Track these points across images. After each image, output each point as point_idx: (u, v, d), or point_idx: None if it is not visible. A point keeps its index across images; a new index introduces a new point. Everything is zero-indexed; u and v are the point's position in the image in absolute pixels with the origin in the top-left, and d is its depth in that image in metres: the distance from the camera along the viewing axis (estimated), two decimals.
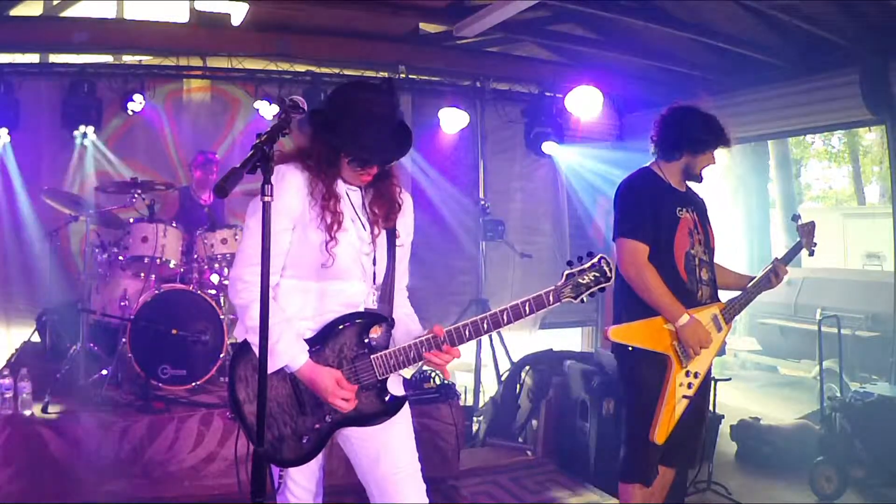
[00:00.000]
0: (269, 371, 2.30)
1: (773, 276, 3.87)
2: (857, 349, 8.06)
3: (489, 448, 6.04)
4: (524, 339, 7.98)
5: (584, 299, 2.50)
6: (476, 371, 7.43)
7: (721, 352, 3.74)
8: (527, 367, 6.43)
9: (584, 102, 7.40)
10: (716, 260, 3.87)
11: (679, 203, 3.68)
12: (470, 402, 7.16)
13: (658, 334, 3.55)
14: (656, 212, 3.60)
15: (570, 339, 8.80)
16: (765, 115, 7.00)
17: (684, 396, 3.56)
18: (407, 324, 2.69)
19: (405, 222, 2.71)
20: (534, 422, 5.99)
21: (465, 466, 5.34)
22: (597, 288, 2.49)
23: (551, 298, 2.46)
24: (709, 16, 6.44)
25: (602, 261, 2.50)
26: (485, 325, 2.47)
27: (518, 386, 6.43)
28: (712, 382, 4.14)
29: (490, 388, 7.21)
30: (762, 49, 6.70)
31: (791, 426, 5.96)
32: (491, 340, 7.20)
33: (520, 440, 6.09)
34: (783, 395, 9.02)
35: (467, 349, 7.89)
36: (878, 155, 20.08)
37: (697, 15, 6.45)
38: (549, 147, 7.98)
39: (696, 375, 3.58)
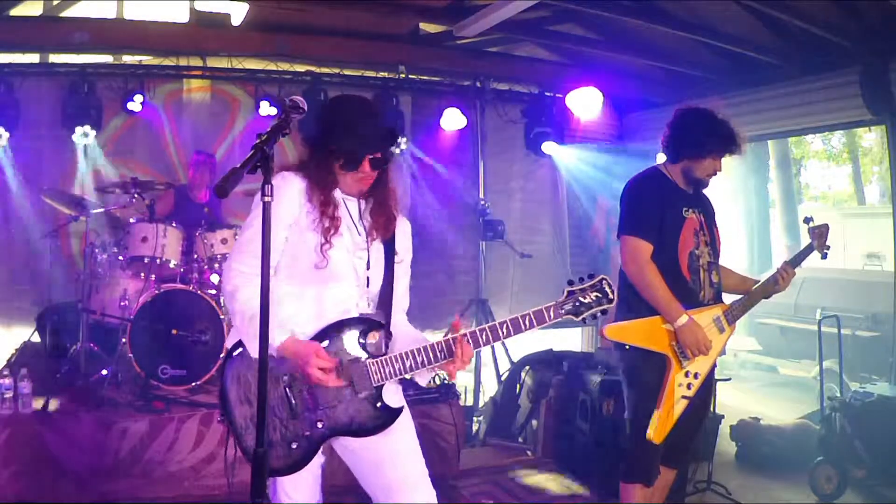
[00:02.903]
0: (255, 355, 2.32)
1: (780, 279, 3.82)
2: (857, 349, 8.07)
3: (489, 448, 6.05)
4: (524, 339, 7.96)
5: (587, 320, 2.53)
6: (476, 371, 7.42)
7: (721, 352, 3.71)
8: (527, 367, 6.44)
9: (584, 102, 7.40)
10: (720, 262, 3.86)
11: (686, 203, 3.67)
12: (470, 402, 7.15)
13: (656, 334, 3.54)
14: (661, 211, 3.60)
15: (570, 339, 8.77)
16: (765, 114, 7.00)
17: (683, 397, 3.54)
18: (416, 338, 2.66)
19: (403, 243, 2.74)
20: (534, 422, 5.99)
21: (465, 466, 5.34)
22: (598, 309, 2.52)
23: (552, 314, 2.49)
24: (709, 16, 6.44)
25: (603, 282, 2.53)
26: (483, 338, 2.49)
27: (518, 386, 6.43)
28: (714, 384, 4.09)
29: (490, 388, 7.21)
30: (762, 49, 6.70)
31: (791, 426, 5.96)
32: None
33: (520, 440, 6.10)
34: (783, 395, 9.01)
35: None
36: (877, 155, 20.09)
37: (698, 15, 6.46)
38: (548, 147, 7.98)
39: (695, 376, 3.56)
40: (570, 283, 2.54)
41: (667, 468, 3.76)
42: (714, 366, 3.71)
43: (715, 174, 3.71)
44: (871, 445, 4.90)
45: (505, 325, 2.47)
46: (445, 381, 5.48)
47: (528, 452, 5.83)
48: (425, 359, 2.48)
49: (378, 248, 2.64)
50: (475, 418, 6.81)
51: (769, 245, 13.73)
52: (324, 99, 6.86)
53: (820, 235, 4.03)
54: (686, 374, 3.55)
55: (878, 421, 4.92)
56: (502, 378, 6.87)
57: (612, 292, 2.52)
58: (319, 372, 2.40)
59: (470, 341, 2.47)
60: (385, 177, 2.64)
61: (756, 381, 10.00)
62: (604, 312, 2.53)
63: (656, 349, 3.54)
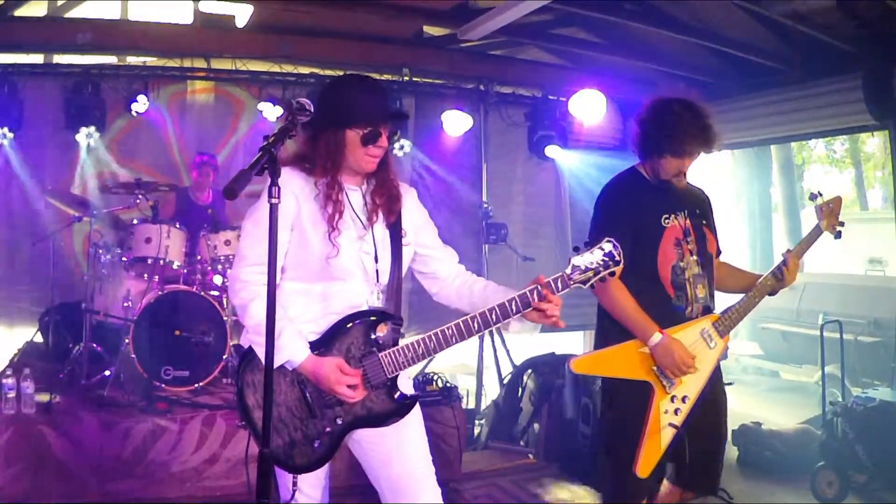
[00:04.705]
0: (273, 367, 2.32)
1: (785, 271, 3.33)
2: (859, 354, 8.05)
3: (491, 451, 6.04)
4: (526, 343, 7.97)
5: (594, 285, 2.44)
6: (478, 374, 7.42)
7: (723, 356, 3.34)
8: (529, 371, 6.43)
9: (588, 106, 7.38)
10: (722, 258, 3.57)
11: (666, 209, 3.29)
12: (472, 404, 7.15)
13: (632, 360, 3.19)
14: (636, 223, 3.23)
15: (572, 343, 8.78)
16: (768, 119, 7.01)
17: (670, 424, 3.18)
18: (492, 291, 2.63)
19: (412, 217, 2.70)
20: (535, 425, 5.98)
21: (466, 469, 5.34)
22: (606, 272, 2.42)
23: (560, 285, 2.41)
24: (713, 20, 6.45)
25: (610, 244, 2.42)
26: (475, 325, 2.44)
27: (520, 389, 6.43)
28: (724, 396, 3.52)
29: (492, 391, 7.20)
30: (766, 53, 6.71)
31: (793, 431, 5.95)
32: (493, 343, 7.20)
33: (521, 443, 6.09)
34: (785, 400, 9.00)
35: (469, 352, 7.89)
36: (880, 160, 20.08)
37: (701, 19, 6.47)
38: (552, 151, 7.97)
39: (683, 400, 3.19)
40: (576, 249, 2.45)
41: (681, 490, 3.40)
42: (710, 382, 3.29)
43: (680, 174, 3.27)
44: (873, 450, 4.89)
45: (514, 302, 2.40)
46: (448, 384, 5.48)
47: (530, 456, 5.82)
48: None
49: (384, 236, 2.60)
50: (477, 421, 6.81)
51: (771, 250, 13.67)
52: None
53: (830, 213, 3.50)
54: (672, 400, 3.18)
55: (880, 426, 4.92)
56: (504, 381, 6.87)
57: (620, 254, 2.41)
58: (348, 390, 2.42)
59: (462, 330, 2.43)
60: (387, 157, 2.62)
61: (758, 385, 10.00)
62: (612, 274, 2.42)
63: (636, 377, 3.19)
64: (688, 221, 3.31)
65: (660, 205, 3.30)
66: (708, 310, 3.32)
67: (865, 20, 5.94)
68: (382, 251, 2.59)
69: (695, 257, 3.28)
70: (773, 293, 3.42)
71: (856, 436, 4.97)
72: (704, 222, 3.40)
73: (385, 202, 2.60)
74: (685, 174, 3.29)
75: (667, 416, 3.18)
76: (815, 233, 3.50)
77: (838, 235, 3.52)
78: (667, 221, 3.27)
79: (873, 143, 20.08)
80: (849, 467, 4.94)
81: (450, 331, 2.45)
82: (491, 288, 2.67)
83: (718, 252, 3.55)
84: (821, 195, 3.53)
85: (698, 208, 3.41)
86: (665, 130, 3.19)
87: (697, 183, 3.56)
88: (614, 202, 3.36)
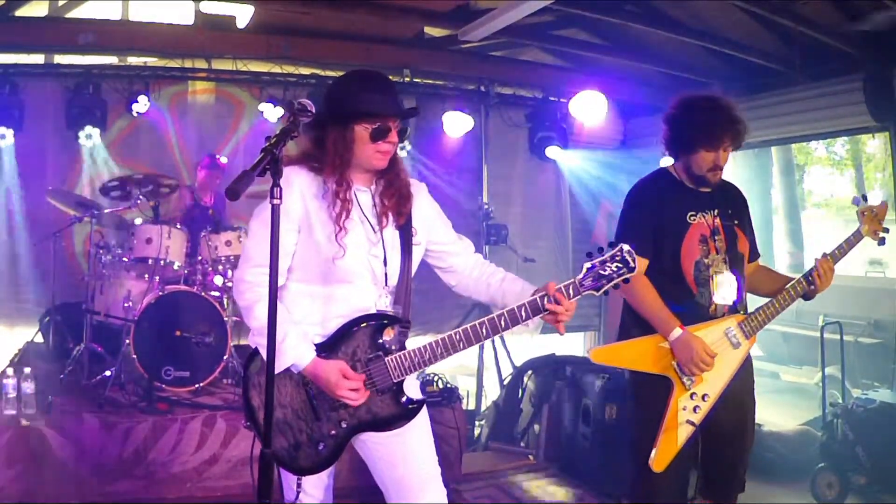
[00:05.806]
0: (277, 370, 2.28)
1: (817, 276, 3.27)
2: (859, 356, 8.04)
3: (491, 452, 6.05)
4: (526, 344, 7.97)
5: (608, 291, 2.43)
6: (478, 375, 7.43)
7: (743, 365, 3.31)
8: (529, 372, 6.44)
9: (588, 107, 7.39)
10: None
11: (694, 207, 3.31)
12: (472, 405, 7.16)
13: (651, 355, 3.22)
14: (660, 218, 3.28)
15: (572, 344, 8.79)
16: (768, 121, 6.99)
17: (688, 421, 3.18)
18: (504, 284, 2.68)
19: (422, 215, 2.67)
20: (536, 426, 5.99)
21: (467, 470, 5.34)
22: (620, 279, 2.41)
23: (571, 292, 2.41)
24: (713, 21, 6.45)
25: (624, 251, 2.40)
26: (483, 331, 2.44)
27: (520, 390, 6.44)
28: (752, 400, 3.52)
29: (492, 393, 7.21)
30: (766, 55, 6.71)
31: (793, 432, 5.96)
32: (493, 344, 7.20)
33: (521, 444, 6.10)
34: (785, 402, 8.98)
35: (469, 353, 7.90)
36: (881, 161, 20.05)
37: (702, 20, 6.47)
38: (552, 152, 7.98)
39: (703, 398, 3.19)
40: (589, 255, 2.43)
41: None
42: (737, 383, 3.28)
43: (716, 168, 3.27)
44: (873, 452, 4.89)
45: (524, 308, 2.41)
46: (448, 385, 5.49)
47: (530, 457, 5.82)
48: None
49: (394, 238, 2.57)
50: (477, 422, 6.82)
51: (771, 252, 13.67)
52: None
53: (873, 218, 3.41)
54: (691, 397, 3.19)
55: (880, 428, 4.92)
56: (505, 382, 6.87)
57: (634, 261, 2.39)
58: (351, 393, 2.41)
59: (471, 335, 2.44)
60: (395, 155, 2.60)
61: (758, 387, 9.83)
62: (626, 281, 2.41)
63: (655, 371, 3.21)
64: (717, 220, 3.32)
65: (686, 202, 3.33)
66: (734, 309, 3.31)
67: (867, 22, 5.94)
68: (392, 253, 2.57)
69: (722, 255, 3.28)
70: (807, 297, 3.39)
71: (856, 437, 4.98)
72: (737, 222, 3.39)
73: (395, 203, 2.57)
74: (721, 168, 3.29)
75: (685, 413, 3.19)
76: (856, 238, 3.42)
77: (882, 242, 3.44)
78: (693, 218, 3.29)
79: (874, 144, 20.07)
80: (849, 469, 4.95)
81: (457, 336, 2.44)
82: (509, 280, 2.69)
83: (755, 255, 3.54)
84: (865, 199, 3.47)
85: (731, 208, 3.40)
86: (697, 125, 3.23)
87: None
88: (636, 201, 3.40)
